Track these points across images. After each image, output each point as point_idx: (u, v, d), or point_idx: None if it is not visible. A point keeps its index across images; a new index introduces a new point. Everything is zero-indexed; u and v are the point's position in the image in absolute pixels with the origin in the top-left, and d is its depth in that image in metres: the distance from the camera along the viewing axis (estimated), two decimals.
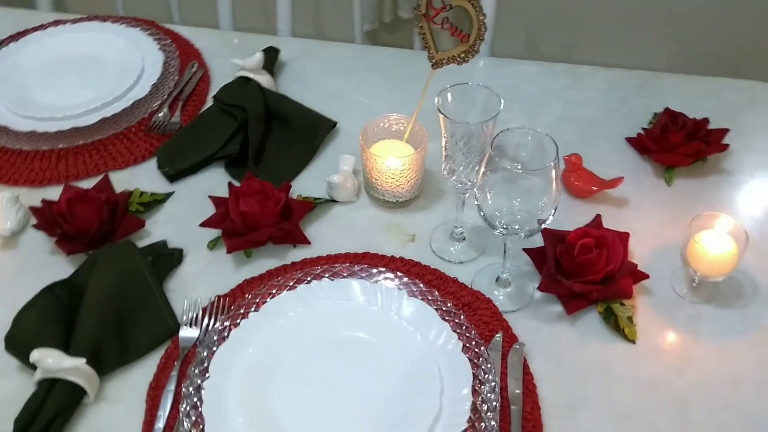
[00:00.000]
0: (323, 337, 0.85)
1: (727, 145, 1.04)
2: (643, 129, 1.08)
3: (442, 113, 0.84)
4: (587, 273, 0.87)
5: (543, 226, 0.81)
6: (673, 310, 0.89)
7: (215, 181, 1.07)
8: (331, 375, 0.82)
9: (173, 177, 1.07)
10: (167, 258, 0.95)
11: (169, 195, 1.05)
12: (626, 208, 1.01)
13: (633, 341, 0.86)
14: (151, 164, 1.10)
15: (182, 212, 1.03)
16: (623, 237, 0.91)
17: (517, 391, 0.80)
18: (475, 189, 0.82)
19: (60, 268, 0.95)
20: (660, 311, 0.89)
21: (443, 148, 0.88)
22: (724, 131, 1.05)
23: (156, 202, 1.03)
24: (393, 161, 0.97)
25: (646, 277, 0.90)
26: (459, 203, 0.93)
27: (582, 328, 0.88)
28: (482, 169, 0.79)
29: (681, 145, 1.02)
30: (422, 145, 0.97)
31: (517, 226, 0.82)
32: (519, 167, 0.77)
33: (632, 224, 0.96)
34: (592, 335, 0.87)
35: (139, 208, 1.01)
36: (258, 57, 1.18)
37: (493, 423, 0.76)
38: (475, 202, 0.82)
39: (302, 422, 0.78)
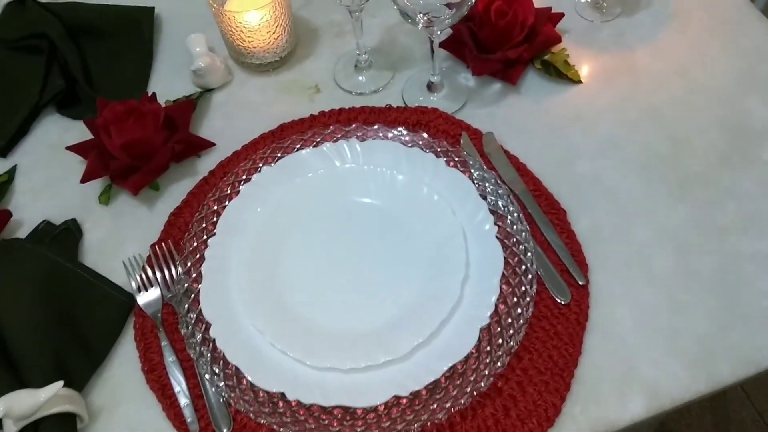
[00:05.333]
0: (325, 212, 0.75)
1: None
2: None
3: None
4: (511, 36, 0.82)
5: (470, 2, 0.73)
6: (595, 37, 0.88)
7: (56, 131, 0.87)
8: (335, 238, 0.73)
9: (4, 150, 0.85)
10: (64, 235, 0.77)
11: (13, 171, 0.83)
12: None
13: (580, 81, 0.84)
14: None
15: (42, 181, 0.83)
16: None
17: (514, 176, 0.76)
18: None
19: None
20: (585, 44, 0.87)
21: None
22: None
23: (4, 184, 0.82)
24: (254, 15, 0.83)
25: (562, 15, 0.86)
26: (357, 26, 0.82)
27: (530, 92, 0.84)
28: None
29: None
30: None
31: (440, 14, 0.74)
32: None
33: None
34: (543, 94, 0.84)
35: None
36: None
37: (516, 213, 0.72)
38: None
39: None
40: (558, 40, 0.85)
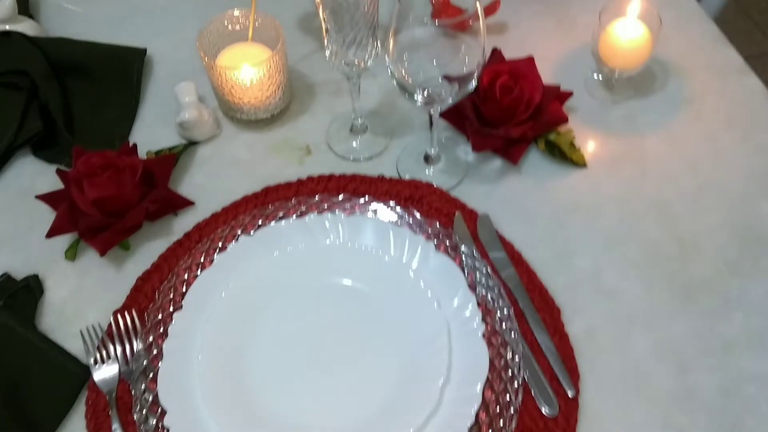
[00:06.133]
0: (300, 292, 0.69)
1: None
2: None
3: None
4: (516, 114, 0.78)
5: (474, 80, 0.68)
6: (603, 118, 0.83)
7: (28, 175, 0.82)
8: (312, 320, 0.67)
9: None
10: (23, 293, 0.72)
11: None
12: (507, 33, 0.92)
13: (584, 165, 0.79)
14: None
15: (8, 229, 0.78)
16: (530, 62, 0.81)
17: (507, 266, 0.71)
18: (386, 57, 0.67)
19: None
20: (592, 125, 0.83)
21: (323, 28, 0.71)
22: None
23: None
24: (248, 71, 0.78)
25: (570, 94, 0.82)
26: (354, 89, 0.78)
27: (531, 173, 0.79)
28: (391, 31, 0.64)
29: None
30: (279, 41, 0.79)
31: (441, 91, 0.69)
32: (436, 22, 0.63)
33: (524, 46, 0.88)
34: (545, 176, 0.79)
35: None
36: (7, 2, 0.89)
37: (506, 310, 0.67)
38: (389, 68, 0.68)
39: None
40: (564, 120, 0.80)
